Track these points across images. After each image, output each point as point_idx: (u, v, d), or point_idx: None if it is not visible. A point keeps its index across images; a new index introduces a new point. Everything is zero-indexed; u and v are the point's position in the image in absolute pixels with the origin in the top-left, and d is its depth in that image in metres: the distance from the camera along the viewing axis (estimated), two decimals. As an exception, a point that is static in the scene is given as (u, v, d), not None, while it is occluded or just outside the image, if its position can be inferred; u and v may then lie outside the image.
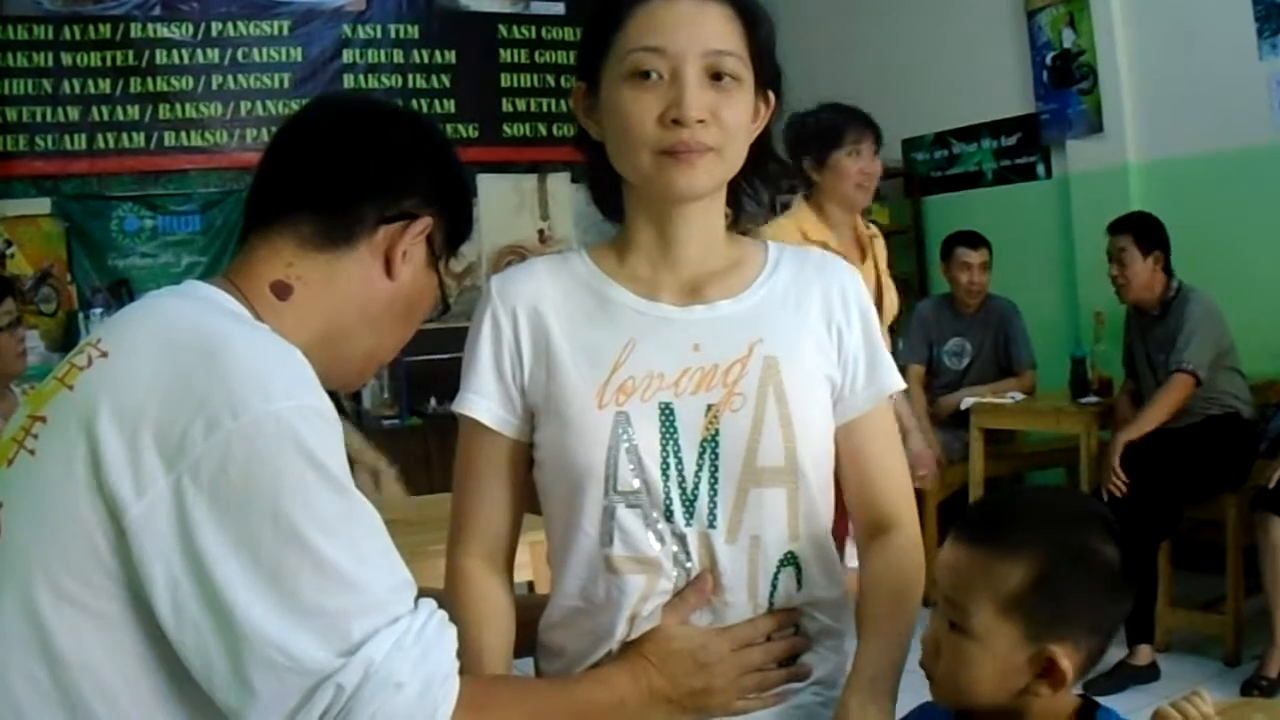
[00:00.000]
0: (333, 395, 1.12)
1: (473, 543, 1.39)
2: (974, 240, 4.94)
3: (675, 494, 1.30)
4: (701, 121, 1.26)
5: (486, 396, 1.37)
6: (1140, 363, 4.16)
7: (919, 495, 1.48)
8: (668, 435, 1.30)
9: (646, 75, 1.27)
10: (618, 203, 1.41)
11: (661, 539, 1.30)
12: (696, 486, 1.30)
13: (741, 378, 1.32)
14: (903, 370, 1.47)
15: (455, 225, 1.32)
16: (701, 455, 1.30)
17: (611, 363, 1.32)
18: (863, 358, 1.40)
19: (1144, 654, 3.68)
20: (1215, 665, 3.77)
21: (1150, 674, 3.64)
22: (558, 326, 1.35)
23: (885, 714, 1.27)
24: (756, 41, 1.32)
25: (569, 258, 1.42)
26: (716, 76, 1.28)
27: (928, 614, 1.24)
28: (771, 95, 1.37)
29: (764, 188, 1.45)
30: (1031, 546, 1.12)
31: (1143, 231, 4.03)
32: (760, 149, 1.39)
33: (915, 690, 1.27)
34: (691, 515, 1.30)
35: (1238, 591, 3.80)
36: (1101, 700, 1.20)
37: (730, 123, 1.29)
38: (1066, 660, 1.11)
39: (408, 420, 5.96)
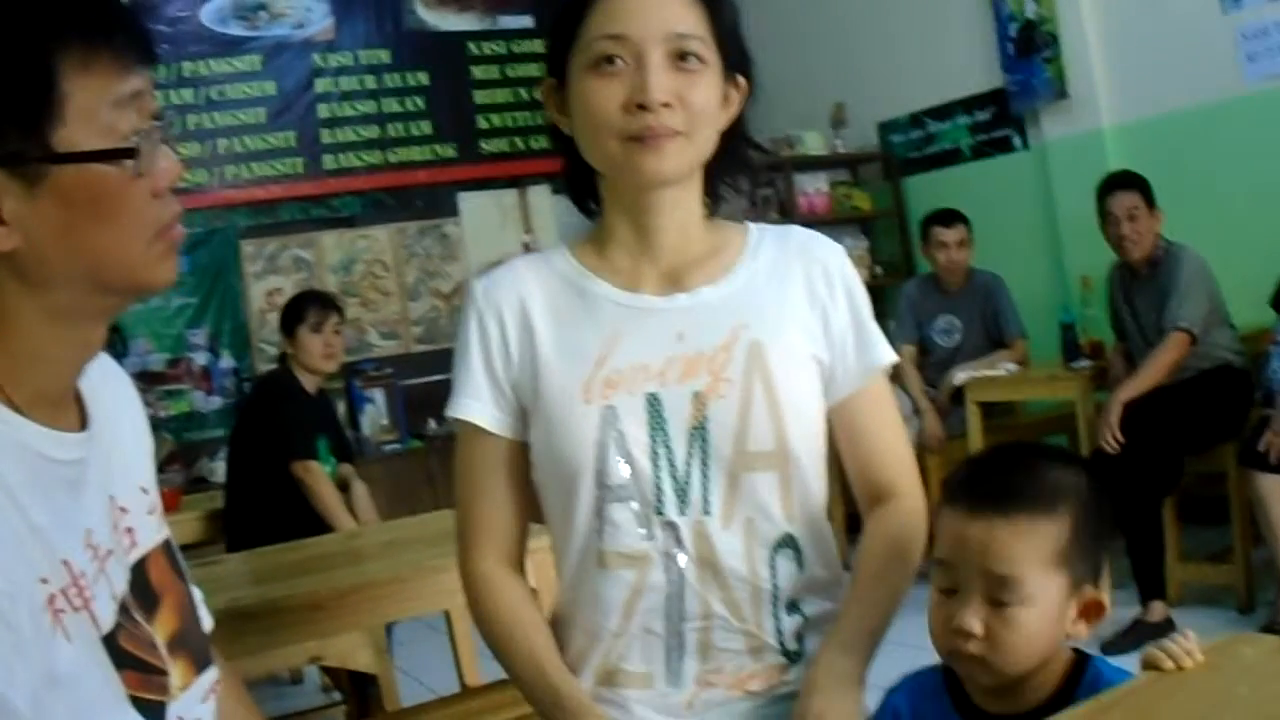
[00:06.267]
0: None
1: (486, 547, 1.39)
2: (948, 218, 4.96)
3: (667, 484, 1.30)
4: (667, 105, 1.26)
5: (480, 400, 1.37)
6: (1127, 322, 4.18)
7: (921, 473, 1.48)
8: (656, 426, 1.31)
9: (610, 61, 1.27)
10: (594, 198, 1.41)
11: (652, 533, 1.31)
12: (688, 475, 1.31)
13: (727, 364, 1.32)
14: (894, 351, 1.46)
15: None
16: (691, 444, 1.31)
17: (596, 358, 1.33)
18: (850, 335, 1.39)
19: (1158, 610, 3.70)
20: (1229, 614, 3.79)
21: (1166, 629, 3.63)
22: (542, 325, 1.36)
23: (857, 671, 1.28)
24: (720, 25, 1.32)
25: (550, 255, 1.43)
26: (681, 59, 1.28)
27: (925, 591, 1.24)
28: (742, 81, 1.37)
29: (742, 177, 1.44)
30: (1066, 502, 1.16)
31: (1146, 188, 4.03)
32: (734, 135, 1.38)
33: (906, 662, 1.29)
34: (685, 504, 1.31)
35: (1244, 541, 3.81)
36: (1119, 659, 1.22)
37: (697, 105, 1.29)
38: (1104, 596, 1.17)
39: (408, 443, 5.99)
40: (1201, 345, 3.89)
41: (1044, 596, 1.13)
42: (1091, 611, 1.15)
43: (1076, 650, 1.19)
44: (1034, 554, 1.13)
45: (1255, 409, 3.80)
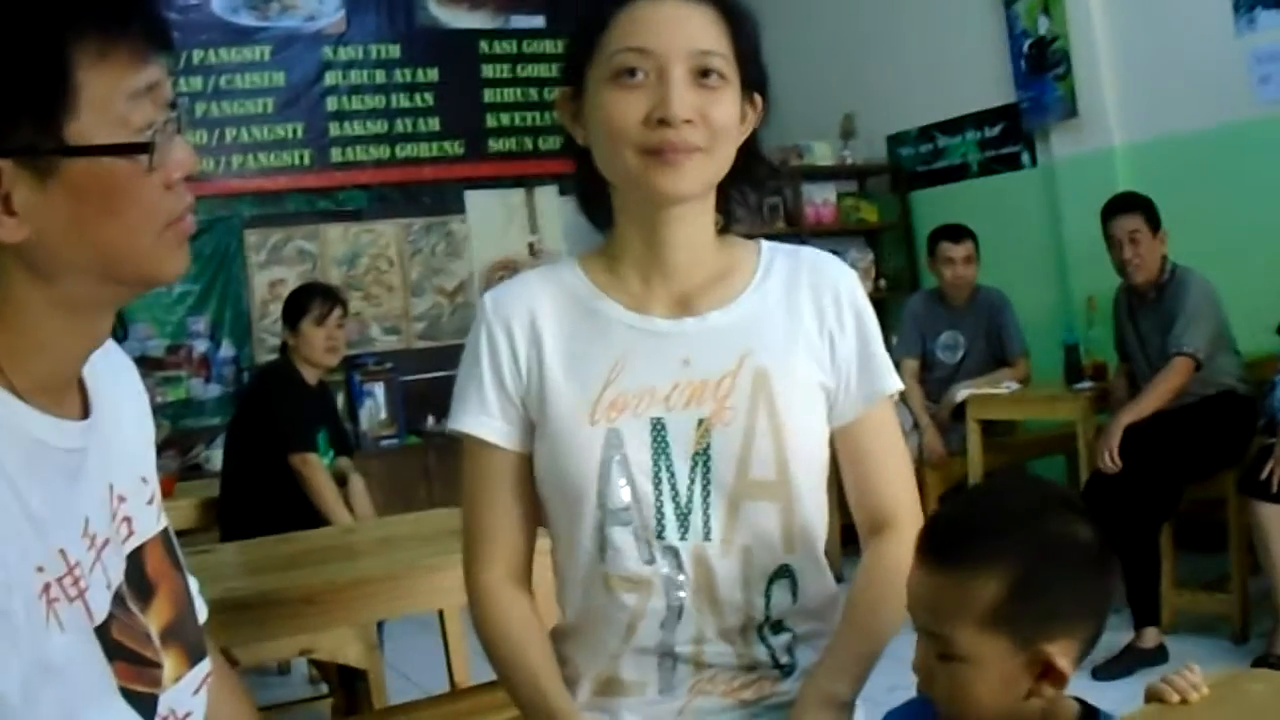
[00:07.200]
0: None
1: (494, 562, 1.38)
2: (957, 234, 4.95)
3: (669, 508, 1.30)
4: (689, 122, 1.25)
5: (488, 414, 1.36)
6: (1132, 346, 4.16)
7: (921, 488, 1.47)
8: (659, 450, 1.31)
9: (632, 74, 1.26)
10: (606, 210, 1.40)
11: (653, 557, 1.30)
12: (690, 500, 1.31)
13: (732, 391, 1.31)
14: (897, 365, 1.45)
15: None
16: (694, 469, 1.31)
17: (603, 379, 1.32)
18: (856, 360, 1.38)
19: (1151, 636, 3.68)
20: (1223, 644, 3.77)
21: (1158, 656, 3.63)
22: (551, 342, 1.35)
23: (846, 694, 1.28)
24: (741, 43, 1.31)
25: (560, 269, 1.41)
26: (704, 76, 1.27)
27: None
28: (758, 98, 1.36)
29: (752, 192, 1.43)
30: (998, 556, 1.07)
31: (1150, 210, 4.03)
32: (748, 152, 1.37)
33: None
34: (686, 529, 1.30)
35: (1241, 570, 3.79)
36: (1111, 684, 1.18)
37: (718, 123, 1.28)
38: (1063, 658, 1.07)
39: (406, 439, 5.98)
40: (1205, 371, 3.88)
41: (980, 656, 1.07)
42: (1052, 673, 1.07)
43: (1083, 703, 1.15)
44: (962, 613, 1.08)
45: (1258, 436, 3.78)
